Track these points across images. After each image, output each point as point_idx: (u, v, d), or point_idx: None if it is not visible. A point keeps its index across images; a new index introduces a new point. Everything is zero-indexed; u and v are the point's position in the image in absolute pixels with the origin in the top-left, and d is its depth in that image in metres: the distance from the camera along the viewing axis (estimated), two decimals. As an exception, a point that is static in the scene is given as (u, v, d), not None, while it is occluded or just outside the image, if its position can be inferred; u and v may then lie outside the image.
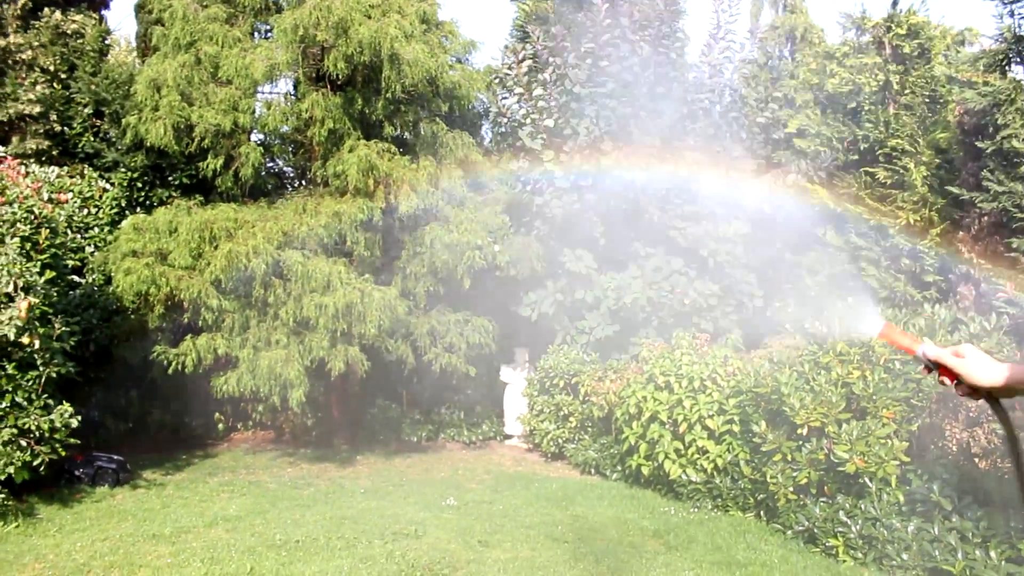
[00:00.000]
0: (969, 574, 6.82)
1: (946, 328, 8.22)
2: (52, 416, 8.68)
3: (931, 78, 11.93)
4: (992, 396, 2.15)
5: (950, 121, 11.82)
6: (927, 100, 11.89)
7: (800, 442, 8.41)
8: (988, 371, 2.12)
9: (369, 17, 11.05)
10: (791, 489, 8.45)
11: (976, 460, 8.13)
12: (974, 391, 2.15)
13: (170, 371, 10.83)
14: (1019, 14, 10.33)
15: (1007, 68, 10.71)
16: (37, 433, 8.57)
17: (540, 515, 9.20)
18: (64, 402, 8.92)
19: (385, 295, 10.85)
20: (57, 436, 8.71)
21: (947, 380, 2.19)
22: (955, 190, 10.80)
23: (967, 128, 10.93)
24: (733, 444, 9.53)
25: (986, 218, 10.64)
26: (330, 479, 10.84)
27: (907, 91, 11.84)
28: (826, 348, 8.50)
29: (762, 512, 9.11)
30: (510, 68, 13.20)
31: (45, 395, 8.82)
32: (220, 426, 13.10)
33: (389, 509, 9.22)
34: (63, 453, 8.85)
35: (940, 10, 37.46)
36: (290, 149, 13.71)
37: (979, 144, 10.38)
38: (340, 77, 11.21)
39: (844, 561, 7.63)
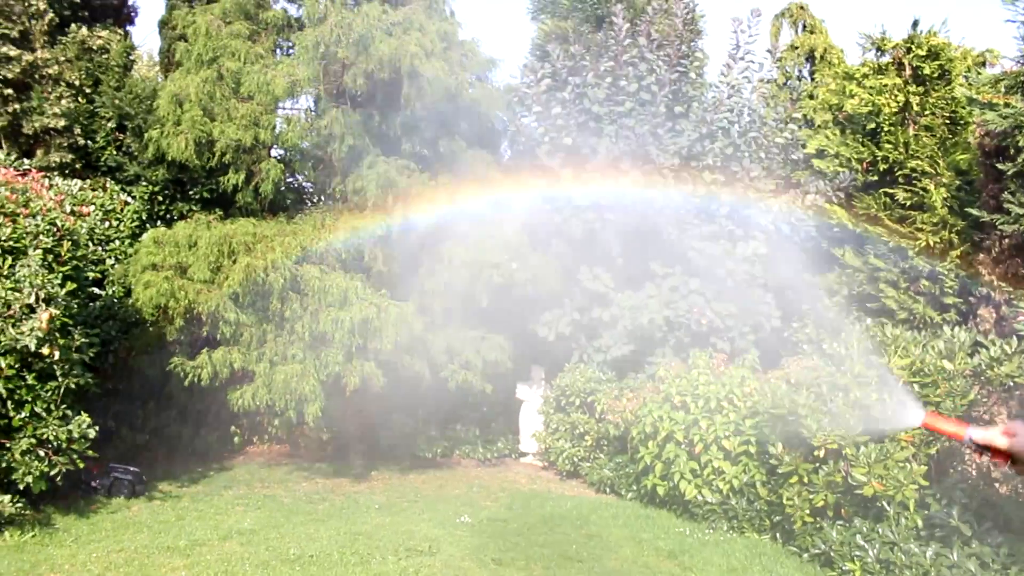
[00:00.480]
0: (989, 601, 6.74)
1: (966, 350, 8.15)
2: (70, 427, 8.72)
3: (951, 99, 11.87)
4: None
5: (970, 143, 11.76)
6: (947, 121, 11.82)
7: (817, 464, 8.35)
8: None
9: (390, 34, 11.14)
10: (808, 511, 8.39)
11: (996, 485, 8.03)
12: None
13: (186, 383, 10.88)
14: (1041, 36, 10.29)
15: (1028, 90, 10.65)
16: (55, 443, 8.61)
17: (554, 534, 9.17)
18: (82, 413, 8.97)
19: (402, 311, 10.86)
20: (75, 447, 8.74)
21: (1000, 461, 2.07)
22: (975, 212, 10.73)
23: (988, 150, 10.85)
24: (749, 465, 9.47)
25: (1007, 240, 10.56)
26: (345, 494, 10.85)
27: (927, 112, 11.79)
28: (844, 370, 8.45)
29: (778, 534, 9.04)
30: (529, 87, 13.24)
31: (64, 406, 8.87)
32: (236, 439, 13.13)
33: (403, 525, 9.22)
34: (81, 464, 8.89)
35: (960, 31, 37.45)
36: (310, 165, 13.78)
37: (1000, 166, 10.32)
38: (360, 94, 11.29)
39: (861, 586, 7.55)
